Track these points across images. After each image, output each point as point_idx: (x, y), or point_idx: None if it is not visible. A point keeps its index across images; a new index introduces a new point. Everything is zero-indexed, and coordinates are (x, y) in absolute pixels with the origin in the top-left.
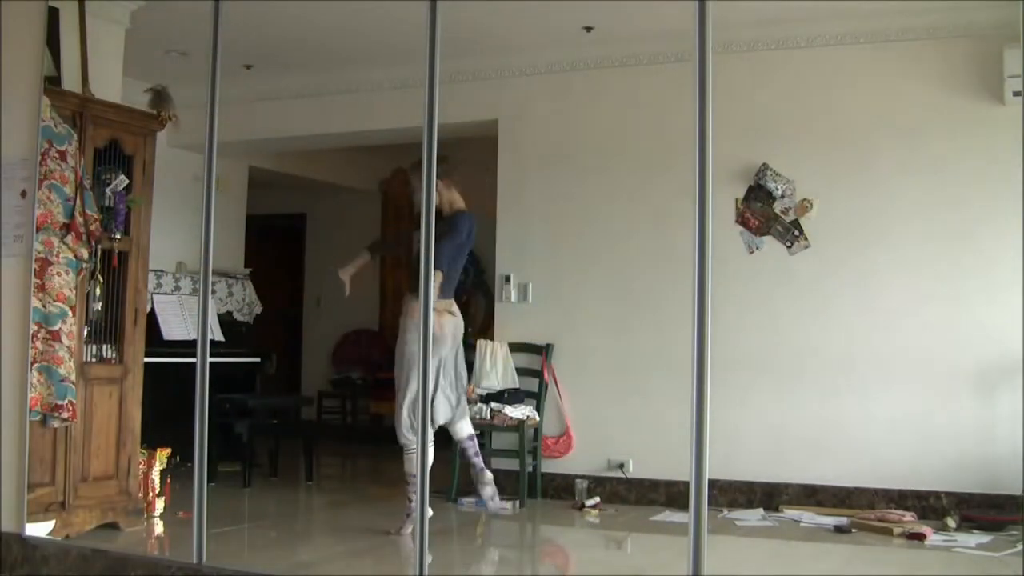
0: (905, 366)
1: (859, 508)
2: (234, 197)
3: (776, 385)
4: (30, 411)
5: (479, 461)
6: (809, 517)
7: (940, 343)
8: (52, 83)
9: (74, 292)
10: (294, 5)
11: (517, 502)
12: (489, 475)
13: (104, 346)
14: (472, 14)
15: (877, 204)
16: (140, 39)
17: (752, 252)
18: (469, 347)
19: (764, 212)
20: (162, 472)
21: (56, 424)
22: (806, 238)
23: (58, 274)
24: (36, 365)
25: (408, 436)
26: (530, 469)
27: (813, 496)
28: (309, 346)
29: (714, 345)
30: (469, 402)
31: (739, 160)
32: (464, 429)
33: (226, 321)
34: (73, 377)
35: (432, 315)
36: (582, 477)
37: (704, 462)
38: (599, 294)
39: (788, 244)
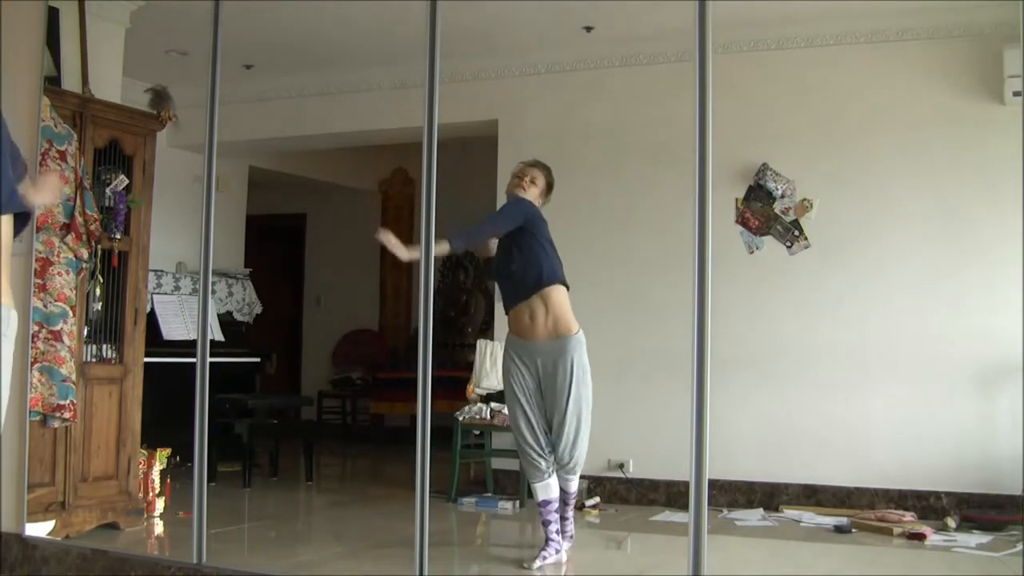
0: (905, 366)
1: (859, 508)
2: (234, 197)
3: (776, 385)
4: (30, 411)
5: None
6: (809, 517)
7: (940, 343)
8: (52, 83)
9: (74, 292)
10: (294, 5)
11: (517, 502)
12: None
13: (104, 346)
14: (472, 14)
15: (877, 204)
16: (140, 39)
17: (752, 252)
18: (468, 348)
19: (764, 212)
20: (162, 472)
21: (56, 424)
22: (806, 238)
23: (59, 274)
24: (37, 365)
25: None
26: None
27: (813, 496)
28: (309, 346)
29: (714, 345)
30: (468, 402)
31: (739, 160)
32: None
33: (226, 321)
34: (74, 377)
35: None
36: (582, 477)
37: (704, 462)
38: (599, 294)
39: (788, 244)
